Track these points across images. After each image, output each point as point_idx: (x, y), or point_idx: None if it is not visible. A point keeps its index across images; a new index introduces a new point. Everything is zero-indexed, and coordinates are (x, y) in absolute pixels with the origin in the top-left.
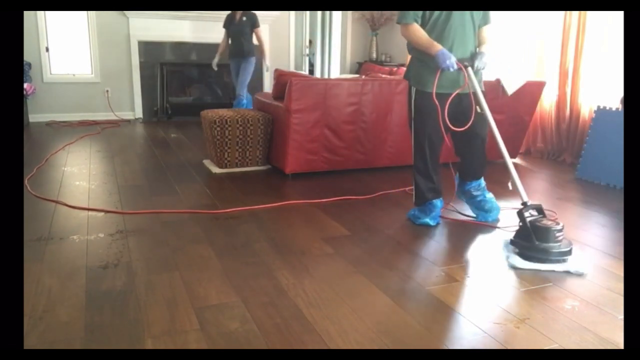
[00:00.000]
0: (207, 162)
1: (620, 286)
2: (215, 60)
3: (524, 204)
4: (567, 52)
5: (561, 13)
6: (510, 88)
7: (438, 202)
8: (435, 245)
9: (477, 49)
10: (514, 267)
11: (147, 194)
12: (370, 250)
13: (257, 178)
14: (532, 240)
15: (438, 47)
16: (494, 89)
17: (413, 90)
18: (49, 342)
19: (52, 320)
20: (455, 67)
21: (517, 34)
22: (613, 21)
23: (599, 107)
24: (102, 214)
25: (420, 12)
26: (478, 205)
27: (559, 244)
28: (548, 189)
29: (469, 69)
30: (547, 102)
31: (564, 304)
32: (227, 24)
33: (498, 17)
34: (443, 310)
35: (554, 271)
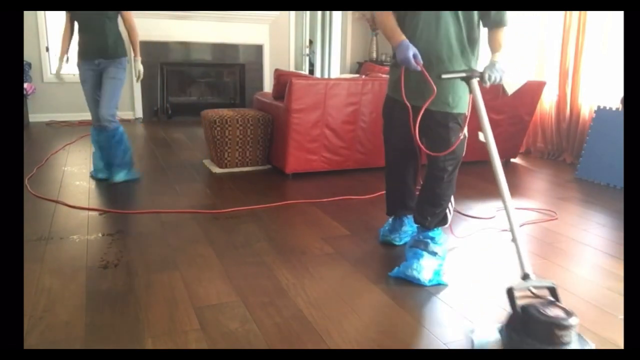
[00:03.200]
0: (207, 162)
1: (620, 286)
2: (59, 67)
3: (525, 276)
4: (567, 52)
5: (561, 13)
6: (511, 88)
7: (406, 220)
8: None
9: (491, 58)
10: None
11: (147, 193)
12: (370, 250)
13: (257, 178)
14: (521, 333)
15: (401, 37)
16: (494, 89)
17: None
18: (49, 342)
19: (52, 320)
20: (416, 67)
21: (517, 34)
22: (613, 21)
23: (599, 107)
24: (102, 213)
25: None
26: (407, 258)
27: (560, 346)
28: (548, 188)
29: (472, 81)
30: (547, 102)
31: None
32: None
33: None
34: (443, 310)
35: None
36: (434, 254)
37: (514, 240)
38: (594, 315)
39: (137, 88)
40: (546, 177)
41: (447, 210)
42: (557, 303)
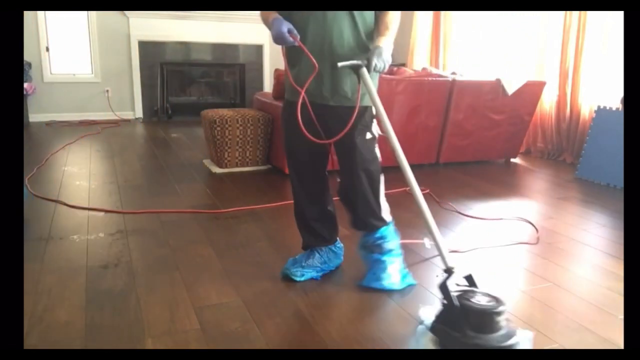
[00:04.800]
0: (207, 162)
1: (620, 286)
2: None
3: (448, 270)
4: (567, 52)
5: (561, 13)
6: (511, 88)
7: (318, 254)
8: None
9: (374, 43)
10: None
11: (147, 193)
12: None
13: (257, 178)
14: (463, 328)
15: (273, 15)
16: (494, 89)
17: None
18: (49, 342)
19: (52, 320)
20: (292, 41)
21: (517, 34)
22: (613, 21)
23: (599, 107)
24: (103, 213)
25: None
26: (371, 267)
27: (499, 334)
28: (548, 188)
29: (362, 70)
30: (547, 102)
31: (564, 304)
32: None
33: (499, 17)
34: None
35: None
36: (390, 252)
37: (431, 234)
38: (594, 315)
39: (138, 88)
40: (546, 177)
41: (383, 212)
42: (478, 290)
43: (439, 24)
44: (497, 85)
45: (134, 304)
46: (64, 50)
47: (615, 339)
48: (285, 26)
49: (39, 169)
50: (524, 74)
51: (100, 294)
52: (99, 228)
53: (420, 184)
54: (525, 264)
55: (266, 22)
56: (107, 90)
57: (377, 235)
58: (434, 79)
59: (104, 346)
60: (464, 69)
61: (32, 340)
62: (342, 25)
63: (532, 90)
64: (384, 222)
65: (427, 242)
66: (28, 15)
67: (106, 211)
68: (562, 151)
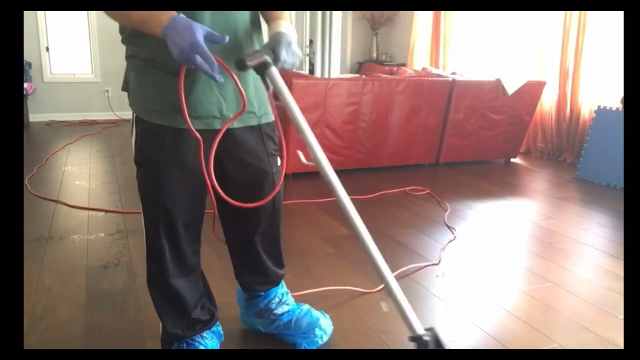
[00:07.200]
0: None
1: (620, 286)
2: None
3: (416, 338)
4: (567, 52)
5: (561, 13)
6: (511, 88)
7: (202, 341)
8: (436, 245)
9: (274, 32)
10: None
11: None
12: None
13: None
14: None
15: (169, 14)
16: (494, 89)
17: (134, 117)
18: (49, 342)
19: (52, 320)
20: (215, 65)
21: (517, 34)
22: (613, 21)
23: (599, 107)
24: (103, 213)
25: None
26: (289, 328)
27: None
28: (548, 188)
29: (272, 69)
30: (547, 102)
31: (564, 304)
32: None
33: (499, 17)
34: (443, 310)
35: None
36: (299, 305)
37: (389, 293)
38: (594, 315)
39: None
40: (546, 177)
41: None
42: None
43: (439, 24)
44: (497, 85)
45: (134, 304)
46: (64, 50)
47: (615, 339)
48: (201, 30)
49: (39, 169)
50: (524, 74)
51: (100, 294)
52: (99, 228)
53: (420, 184)
54: (525, 264)
55: (146, 25)
56: (107, 90)
57: (280, 291)
58: (434, 79)
59: (104, 346)
60: (464, 69)
61: (32, 340)
62: (246, 15)
63: (532, 90)
64: (283, 272)
65: (384, 306)
66: (28, 15)
67: (106, 211)
68: (562, 151)
